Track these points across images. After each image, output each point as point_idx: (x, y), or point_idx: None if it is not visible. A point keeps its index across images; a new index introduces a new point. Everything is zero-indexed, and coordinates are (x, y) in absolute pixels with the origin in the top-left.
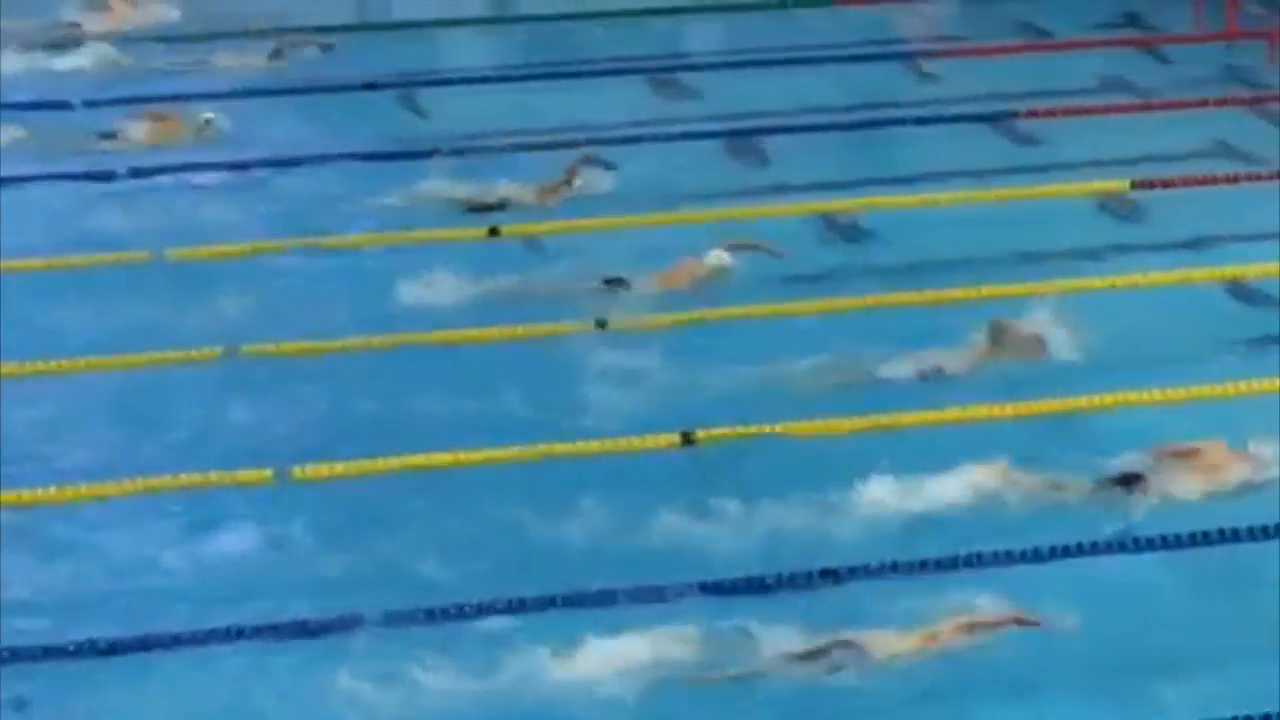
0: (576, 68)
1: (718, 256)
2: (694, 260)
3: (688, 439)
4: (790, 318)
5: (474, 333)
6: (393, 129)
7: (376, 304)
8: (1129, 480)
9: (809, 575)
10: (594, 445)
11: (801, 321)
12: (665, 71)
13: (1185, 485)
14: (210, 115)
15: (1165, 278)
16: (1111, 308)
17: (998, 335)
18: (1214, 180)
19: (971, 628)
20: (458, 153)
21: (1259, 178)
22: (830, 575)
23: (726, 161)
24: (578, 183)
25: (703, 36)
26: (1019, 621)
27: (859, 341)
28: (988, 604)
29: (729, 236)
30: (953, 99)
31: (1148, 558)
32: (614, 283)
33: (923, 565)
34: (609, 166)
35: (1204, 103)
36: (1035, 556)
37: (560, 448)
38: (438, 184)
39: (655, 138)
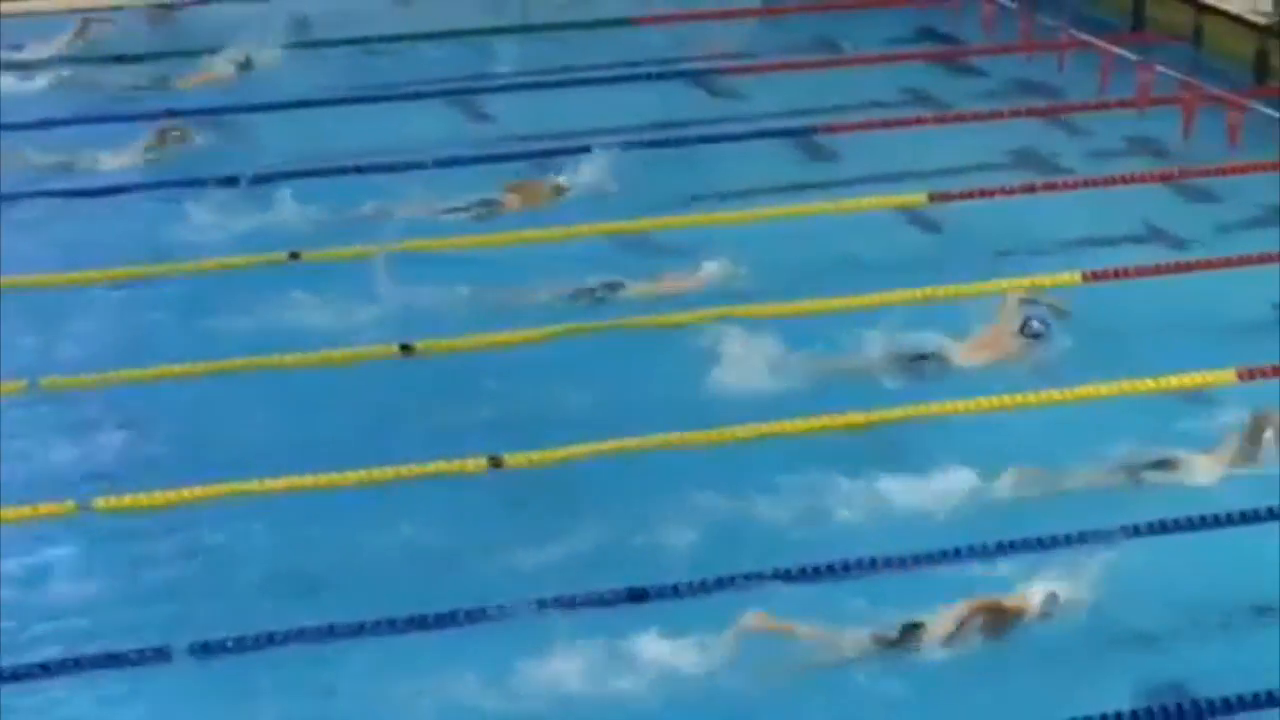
0: (377, 91)
1: None
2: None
3: (495, 461)
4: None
5: (283, 359)
6: (197, 154)
7: (180, 332)
8: None
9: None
10: (406, 470)
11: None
12: (466, 94)
13: None
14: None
15: (964, 289)
16: (913, 319)
17: None
18: (1011, 191)
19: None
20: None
21: (1055, 187)
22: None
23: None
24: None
25: (503, 58)
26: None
27: (665, 360)
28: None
29: (535, 260)
30: (753, 116)
31: None
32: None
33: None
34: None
35: (1001, 114)
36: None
37: (375, 473)
38: (232, 212)
39: (458, 161)
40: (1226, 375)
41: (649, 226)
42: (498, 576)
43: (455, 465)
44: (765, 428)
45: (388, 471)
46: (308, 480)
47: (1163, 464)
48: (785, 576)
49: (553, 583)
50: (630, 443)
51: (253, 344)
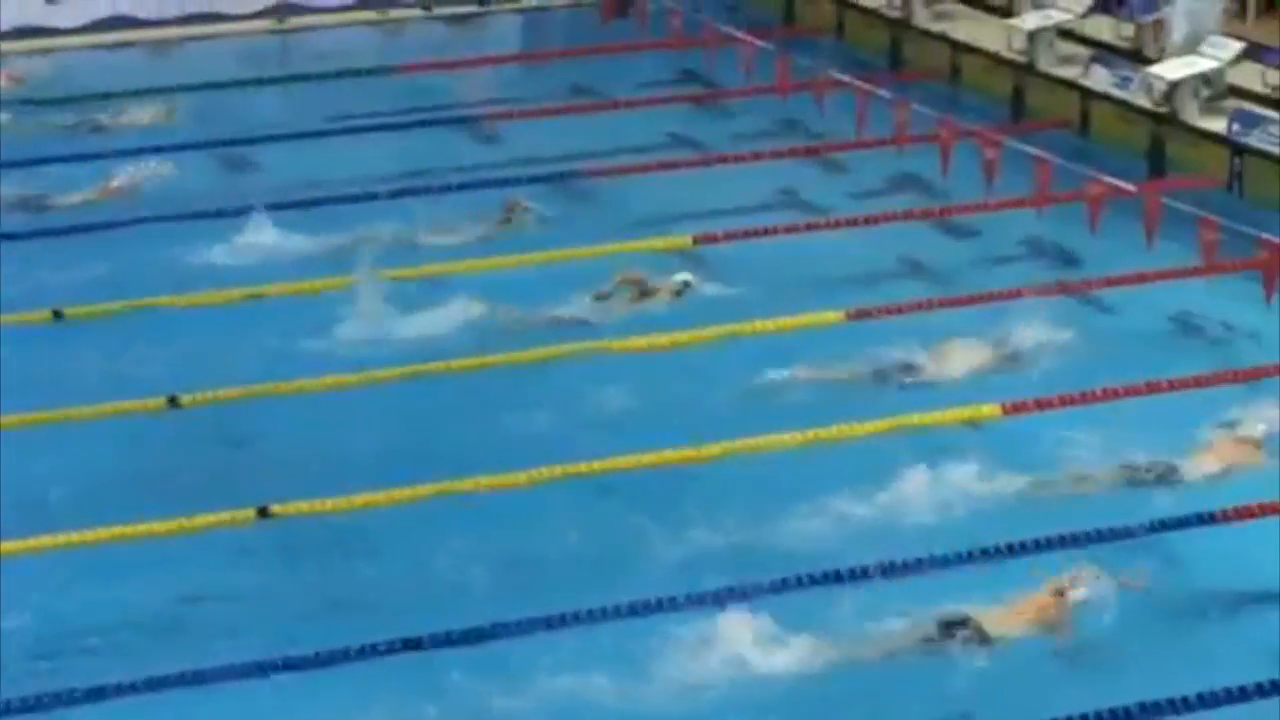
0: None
1: None
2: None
3: (263, 512)
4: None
5: (49, 415)
6: None
7: None
8: None
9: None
10: (175, 524)
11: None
12: (226, 145)
13: None
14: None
15: (726, 330)
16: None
17: None
18: (775, 231)
19: None
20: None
21: (819, 226)
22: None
23: (290, 232)
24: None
25: (265, 107)
26: None
27: (447, 406)
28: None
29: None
30: (516, 161)
31: None
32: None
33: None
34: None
35: (762, 154)
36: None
37: (142, 527)
38: None
39: (221, 213)
40: (994, 409)
41: (417, 274)
42: (270, 629)
43: (224, 517)
44: (554, 470)
45: (156, 526)
46: (74, 537)
47: None
48: (571, 622)
49: (326, 635)
50: (408, 491)
51: (17, 402)
